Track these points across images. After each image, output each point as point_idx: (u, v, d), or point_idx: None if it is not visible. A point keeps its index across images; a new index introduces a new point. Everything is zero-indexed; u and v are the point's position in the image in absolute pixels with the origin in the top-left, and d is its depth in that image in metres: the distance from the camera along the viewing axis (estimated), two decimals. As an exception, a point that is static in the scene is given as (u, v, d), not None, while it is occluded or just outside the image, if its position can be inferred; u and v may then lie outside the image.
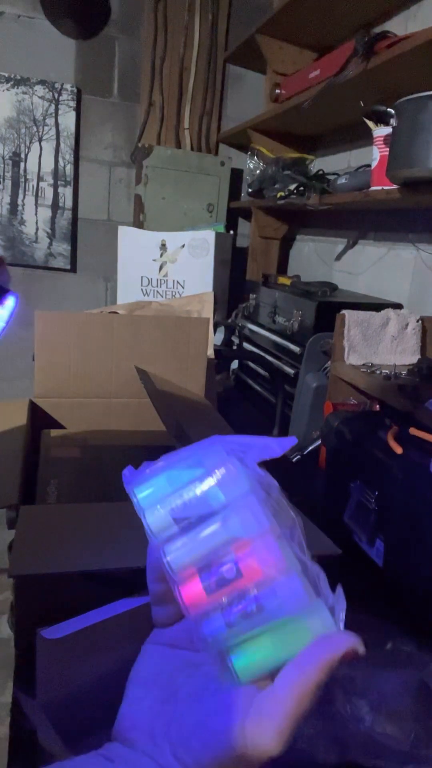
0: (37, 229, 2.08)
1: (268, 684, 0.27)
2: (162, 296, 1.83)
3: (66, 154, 2.05)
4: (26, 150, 2.01)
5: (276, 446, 0.32)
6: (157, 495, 0.31)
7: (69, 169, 2.06)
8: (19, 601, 0.61)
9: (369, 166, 1.27)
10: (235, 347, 1.81)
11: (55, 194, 2.07)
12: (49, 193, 2.06)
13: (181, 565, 0.30)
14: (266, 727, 0.26)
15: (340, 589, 0.29)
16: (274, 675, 0.28)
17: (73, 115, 2.01)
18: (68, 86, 1.99)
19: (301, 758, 0.53)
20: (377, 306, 1.28)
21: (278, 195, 1.67)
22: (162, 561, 0.30)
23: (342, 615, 0.28)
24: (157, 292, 1.83)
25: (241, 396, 1.77)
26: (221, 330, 1.83)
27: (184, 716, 0.28)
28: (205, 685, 0.29)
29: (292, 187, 1.61)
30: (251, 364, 1.70)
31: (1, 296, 0.40)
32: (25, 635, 0.56)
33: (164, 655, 0.32)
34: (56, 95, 1.99)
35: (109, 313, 1.30)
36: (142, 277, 1.82)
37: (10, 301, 0.41)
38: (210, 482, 0.30)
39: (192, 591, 0.29)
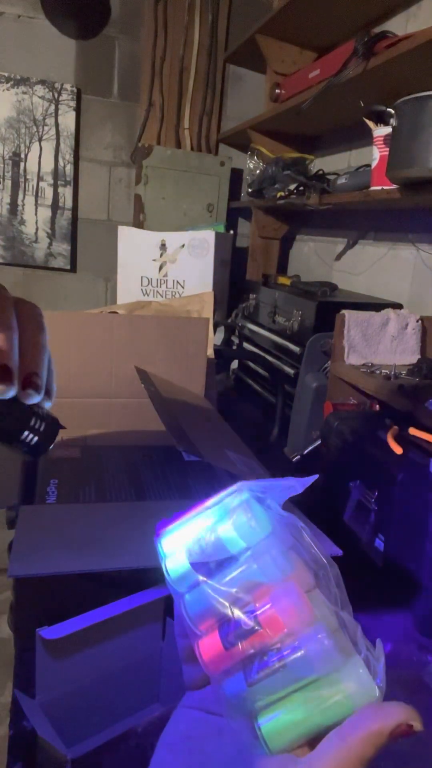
0: (37, 229, 2.08)
1: (305, 752, 0.25)
2: (162, 296, 1.83)
3: (66, 154, 2.05)
4: (26, 150, 2.01)
5: (298, 485, 0.30)
6: (178, 543, 0.30)
7: (69, 169, 2.06)
8: (18, 601, 0.61)
9: (369, 166, 1.27)
10: (235, 347, 1.81)
11: (55, 194, 2.07)
12: (49, 193, 2.06)
13: (199, 616, 0.27)
14: None
15: (380, 644, 0.27)
16: (312, 743, 0.25)
17: (73, 115, 2.01)
18: (68, 86, 1.99)
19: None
20: (377, 306, 1.28)
21: (278, 195, 1.67)
22: (182, 612, 0.28)
23: (382, 673, 0.25)
24: (157, 292, 1.83)
25: (241, 396, 1.77)
26: (221, 330, 1.83)
27: None
28: (236, 752, 0.27)
29: (292, 187, 1.61)
30: (251, 364, 1.70)
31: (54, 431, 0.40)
32: (25, 635, 0.56)
33: (194, 720, 0.30)
34: (56, 95, 1.99)
35: (109, 313, 1.30)
36: (142, 277, 1.82)
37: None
38: (229, 527, 0.28)
39: (210, 645, 0.27)
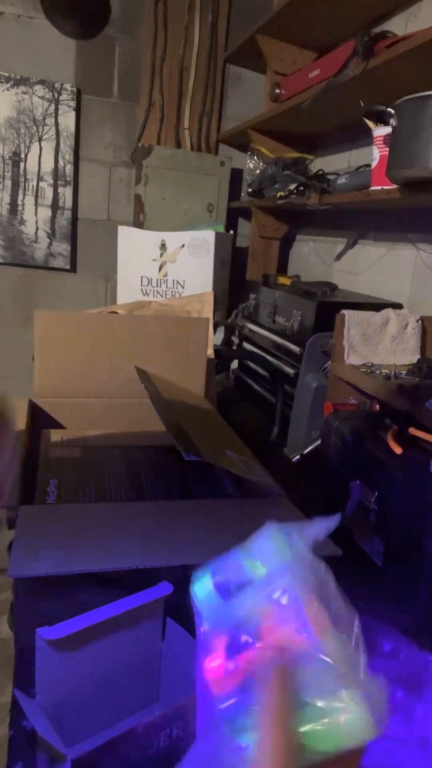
0: (37, 229, 2.08)
1: None
2: (162, 296, 1.83)
3: (66, 154, 2.05)
4: (26, 150, 2.01)
5: (322, 529, 0.31)
6: (209, 574, 0.31)
7: (69, 169, 2.06)
8: (19, 601, 0.61)
9: (369, 166, 1.27)
10: (235, 347, 1.81)
11: (55, 194, 2.07)
12: (49, 193, 2.06)
13: (211, 636, 0.29)
14: None
15: (382, 679, 0.27)
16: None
17: (73, 115, 2.01)
18: (68, 86, 1.99)
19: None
20: (377, 306, 1.28)
21: (278, 195, 1.67)
22: (200, 632, 0.29)
23: (382, 706, 0.26)
24: (157, 292, 1.83)
25: (241, 396, 1.77)
26: (221, 330, 1.83)
27: None
28: None
29: (292, 187, 1.61)
30: (251, 364, 1.70)
31: None
32: (25, 635, 0.56)
33: (220, 738, 0.30)
34: (56, 95, 1.99)
35: (109, 313, 1.30)
36: (141, 277, 1.82)
37: None
38: (252, 554, 0.30)
39: (214, 666, 0.28)
